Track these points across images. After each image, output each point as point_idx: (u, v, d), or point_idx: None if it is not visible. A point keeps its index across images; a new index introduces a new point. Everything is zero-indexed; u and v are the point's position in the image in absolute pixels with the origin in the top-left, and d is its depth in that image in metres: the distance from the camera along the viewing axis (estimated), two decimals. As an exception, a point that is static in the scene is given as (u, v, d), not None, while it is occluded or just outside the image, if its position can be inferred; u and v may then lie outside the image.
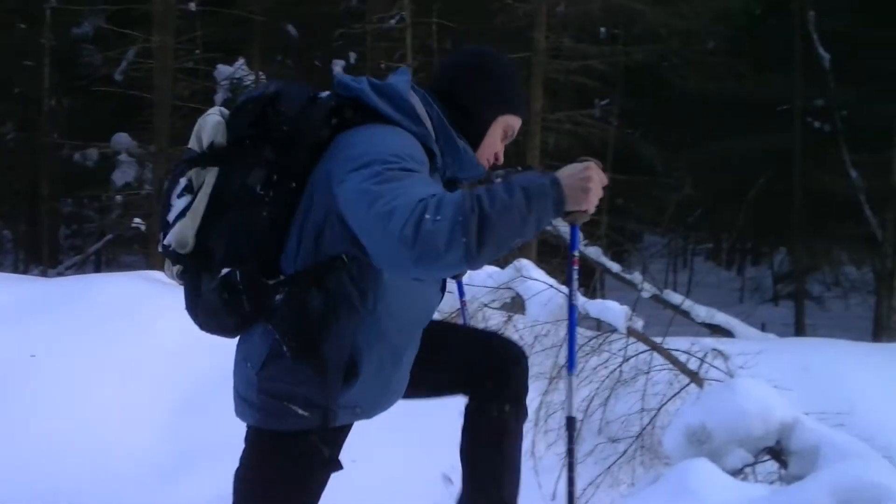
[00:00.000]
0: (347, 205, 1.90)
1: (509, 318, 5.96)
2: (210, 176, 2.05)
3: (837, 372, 5.66)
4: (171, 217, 2.07)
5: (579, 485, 4.44)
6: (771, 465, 4.18)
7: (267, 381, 2.07)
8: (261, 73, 14.99)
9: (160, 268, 2.88)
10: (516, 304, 6.03)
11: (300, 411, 2.05)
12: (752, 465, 4.14)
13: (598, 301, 5.79)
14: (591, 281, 10.05)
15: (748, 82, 13.92)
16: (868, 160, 14.03)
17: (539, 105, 11.28)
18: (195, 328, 2.14)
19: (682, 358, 5.19)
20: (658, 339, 5.36)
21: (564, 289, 5.77)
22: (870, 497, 3.55)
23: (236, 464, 2.21)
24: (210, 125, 2.08)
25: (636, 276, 10.02)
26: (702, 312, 9.60)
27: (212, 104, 15.47)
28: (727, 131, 14.87)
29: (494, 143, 2.27)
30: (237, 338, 2.19)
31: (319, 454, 2.08)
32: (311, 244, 2.01)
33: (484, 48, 2.36)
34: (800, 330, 14.51)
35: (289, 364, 2.02)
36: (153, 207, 12.58)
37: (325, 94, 2.13)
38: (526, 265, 6.11)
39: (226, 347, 2.22)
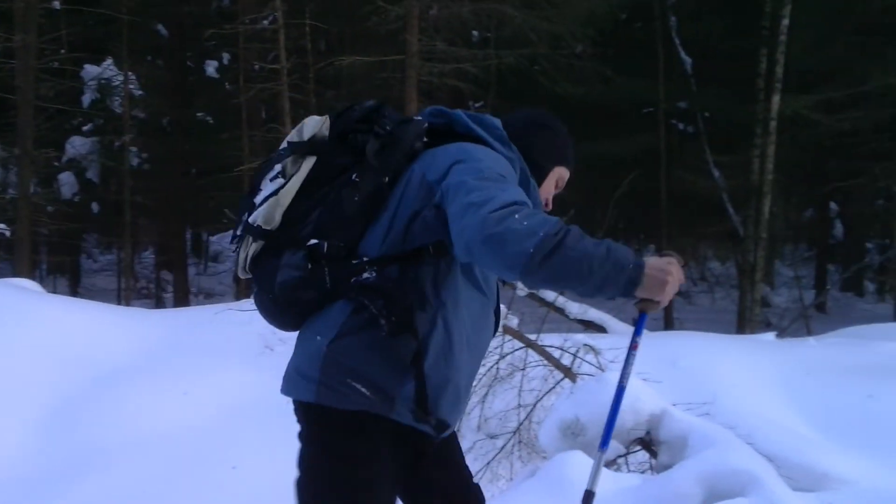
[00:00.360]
0: (448, 193, 2.03)
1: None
2: (306, 163, 2.18)
3: (703, 364, 5.84)
4: (259, 199, 2.19)
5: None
6: (642, 455, 4.32)
7: (337, 355, 2.09)
8: (130, 73, 14.55)
9: (28, 275, 2.76)
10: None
11: (363, 390, 2.07)
12: (625, 455, 4.28)
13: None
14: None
15: (615, 85, 14.30)
16: (729, 160, 14.65)
17: (413, 107, 11.32)
18: (63, 338, 2.07)
19: (556, 354, 5.31)
20: (533, 336, 5.46)
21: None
22: (734, 482, 3.71)
23: (104, 479, 2.13)
24: (315, 121, 2.24)
25: (512, 275, 10.17)
26: (575, 309, 9.84)
27: (79, 105, 14.94)
28: (596, 133, 15.25)
29: (549, 190, 2.43)
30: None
31: (374, 443, 2.10)
32: (401, 233, 2.11)
33: (544, 112, 2.55)
34: (669, 324, 14.99)
35: (365, 340, 2.08)
36: (18, 213, 12.15)
37: (418, 118, 2.31)
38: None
39: (94, 358, 2.15)
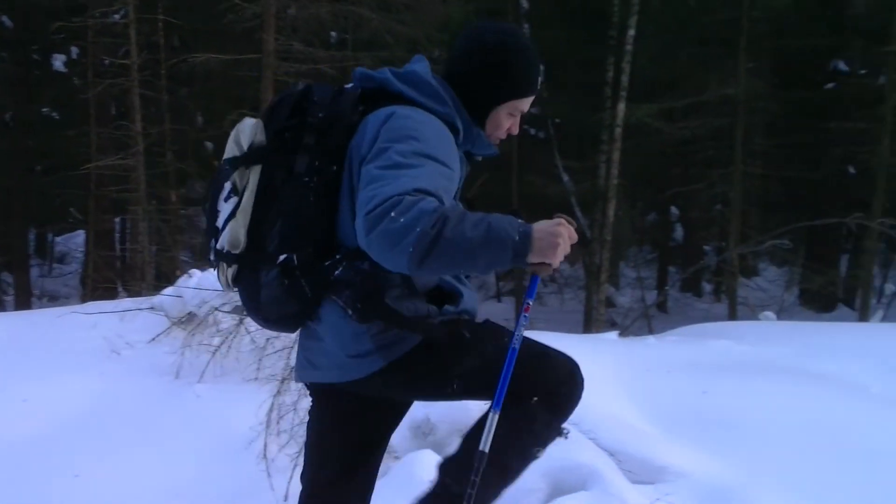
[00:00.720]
0: (362, 181, 2.02)
1: (241, 320, 5.91)
2: (254, 174, 2.16)
3: None
4: (220, 222, 2.19)
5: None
6: None
7: (374, 323, 2.15)
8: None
9: None
10: (249, 307, 5.98)
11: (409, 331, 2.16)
12: None
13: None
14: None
15: (470, 90, 14.50)
16: (577, 165, 15.13)
17: (269, 107, 11.21)
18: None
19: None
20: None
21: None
22: (576, 476, 3.88)
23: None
24: (248, 126, 2.20)
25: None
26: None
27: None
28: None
29: (501, 124, 2.36)
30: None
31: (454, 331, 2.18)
32: None
33: (488, 32, 2.33)
34: (520, 324, 15.28)
35: (389, 302, 2.14)
36: None
37: (349, 86, 2.25)
38: (258, 267, 6.08)
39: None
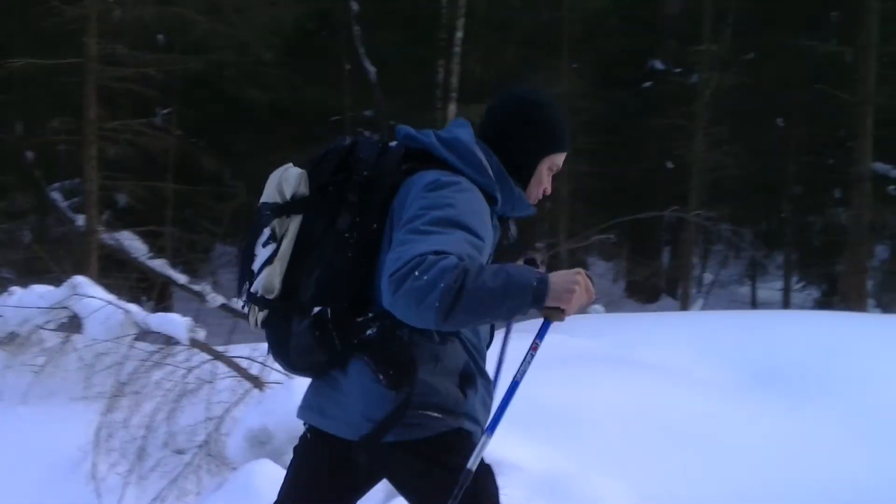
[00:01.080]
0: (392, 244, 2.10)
1: (67, 338, 5.76)
2: (294, 224, 2.23)
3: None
4: (255, 266, 2.23)
5: (143, 501, 4.47)
6: None
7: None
8: None
9: None
10: (74, 324, 5.83)
11: (436, 415, 2.23)
12: None
13: (160, 314, 5.80)
14: (153, 293, 9.95)
15: (302, 94, 14.44)
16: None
17: (93, 113, 10.82)
18: None
19: (245, 364, 5.38)
20: (221, 348, 5.51)
21: (127, 305, 5.71)
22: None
23: None
24: (293, 176, 2.26)
25: (204, 287, 10.09)
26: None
27: None
28: (285, 141, 15.31)
29: (541, 182, 2.48)
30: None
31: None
32: None
33: (526, 93, 2.50)
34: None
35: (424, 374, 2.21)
36: None
37: (394, 143, 2.34)
38: (82, 282, 5.93)
39: None
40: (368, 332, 2.21)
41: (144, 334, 5.55)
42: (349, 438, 2.29)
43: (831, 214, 15.64)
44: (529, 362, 2.35)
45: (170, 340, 5.53)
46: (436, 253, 2.00)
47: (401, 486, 2.45)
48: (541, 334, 2.35)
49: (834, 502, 4.15)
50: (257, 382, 5.25)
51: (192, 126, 14.79)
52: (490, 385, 2.49)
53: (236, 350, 5.57)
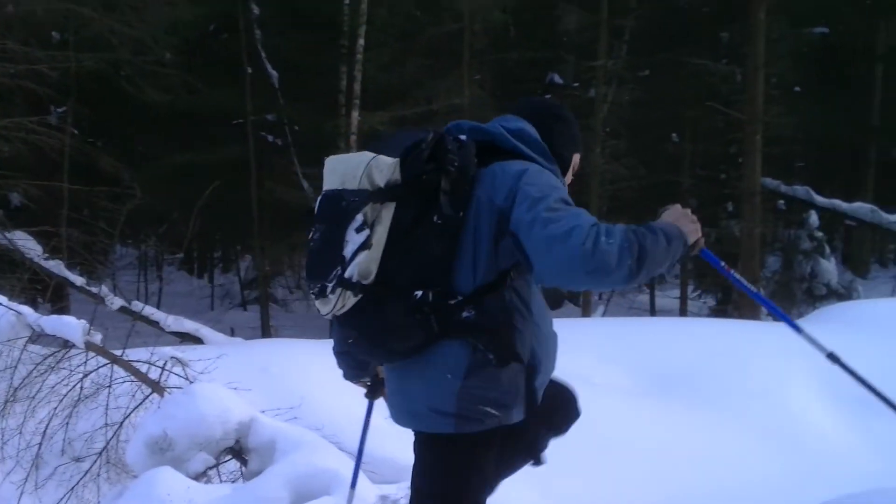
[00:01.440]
0: (523, 226, 2.22)
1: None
2: (387, 210, 2.26)
3: (293, 369, 6.04)
4: (347, 252, 2.25)
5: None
6: (233, 465, 4.41)
7: (473, 389, 2.32)
8: None
9: None
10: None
11: (494, 412, 2.34)
12: (215, 466, 4.33)
13: (54, 317, 5.60)
14: (48, 295, 9.64)
15: (202, 96, 14.21)
16: (317, 172, 15.12)
17: (-16, 110, 10.45)
18: None
19: (144, 368, 5.25)
20: (118, 352, 5.36)
21: (20, 306, 5.52)
22: (319, 482, 3.94)
23: None
24: (386, 165, 2.29)
25: (102, 289, 9.82)
26: (170, 321, 9.74)
27: None
28: (184, 143, 15.05)
29: (569, 178, 2.64)
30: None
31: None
32: (487, 263, 2.31)
33: (551, 101, 2.81)
34: (266, 332, 15.17)
35: (491, 372, 2.32)
36: None
37: (462, 137, 2.43)
38: (-30, 285, 5.70)
39: None
40: (464, 314, 2.31)
41: (38, 337, 5.38)
42: (415, 429, 2.48)
43: (725, 227, 16.25)
44: (738, 278, 2.67)
45: (66, 344, 5.37)
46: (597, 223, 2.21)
47: (437, 470, 2.55)
48: (714, 260, 2.58)
49: (731, 500, 4.31)
50: (157, 388, 5.13)
51: (89, 126, 14.41)
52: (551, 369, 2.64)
53: (135, 354, 5.43)
